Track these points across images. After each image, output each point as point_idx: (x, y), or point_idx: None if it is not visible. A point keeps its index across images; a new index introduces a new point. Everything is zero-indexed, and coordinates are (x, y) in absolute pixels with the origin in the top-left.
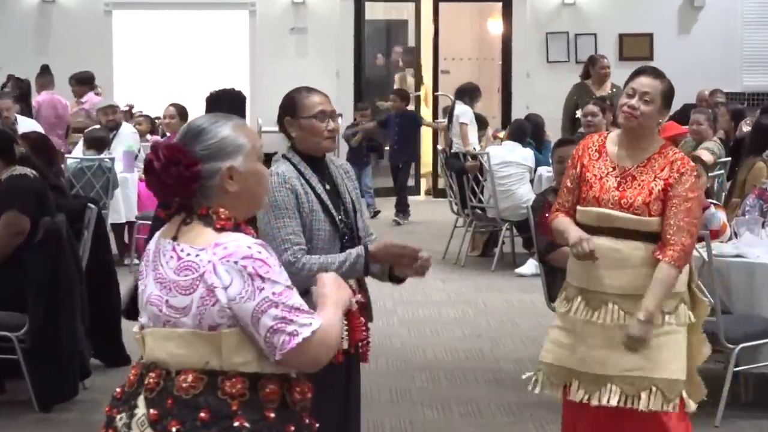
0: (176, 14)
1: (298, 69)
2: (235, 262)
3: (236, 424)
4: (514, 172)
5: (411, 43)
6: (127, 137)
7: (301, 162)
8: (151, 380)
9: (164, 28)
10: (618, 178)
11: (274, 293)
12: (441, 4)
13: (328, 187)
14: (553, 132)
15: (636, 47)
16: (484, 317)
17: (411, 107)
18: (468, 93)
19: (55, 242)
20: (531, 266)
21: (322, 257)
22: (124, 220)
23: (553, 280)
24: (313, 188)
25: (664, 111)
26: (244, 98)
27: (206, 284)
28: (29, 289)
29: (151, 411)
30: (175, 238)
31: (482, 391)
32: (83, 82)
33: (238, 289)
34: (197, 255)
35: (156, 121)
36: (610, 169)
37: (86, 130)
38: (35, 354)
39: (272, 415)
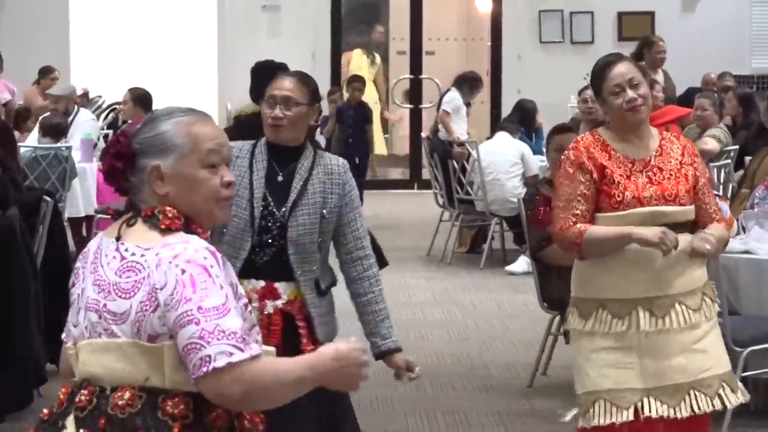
0: None
1: (271, 50)
2: (176, 265)
3: None
4: (502, 159)
5: (392, 22)
6: (85, 124)
7: (264, 144)
8: (83, 398)
9: (126, 4)
10: (645, 173)
11: (200, 308)
12: None
13: (281, 178)
14: (547, 118)
15: (636, 26)
16: (472, 319)
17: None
18: (468, 82)
19: (6, 239)
20: (522, 264)
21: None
22: (82, 214)
23: (547, 278)
24: (252, 172)
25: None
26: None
27: (150, 286)
28: None
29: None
30: (118, 238)
31: (470, 398)
32: None
33: (167, 294)
34: (142, 255)
35: (117, 106)
36: (630, 166)
37: (42, 117)
38: None
39: None
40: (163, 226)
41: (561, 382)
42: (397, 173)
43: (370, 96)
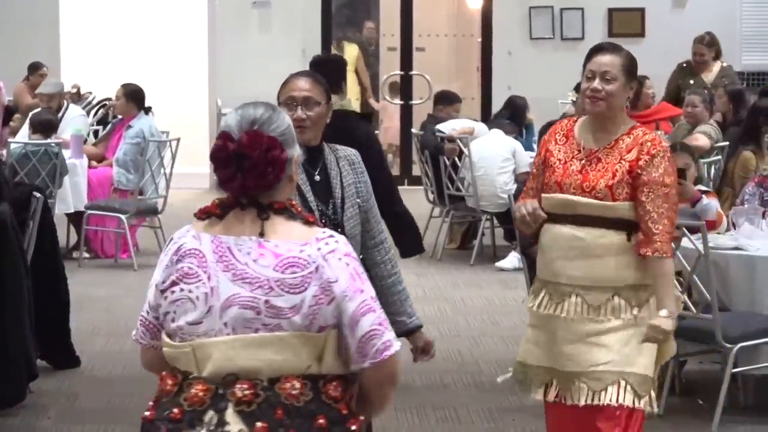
0: None
1: (261, 46)
2: (339, 259)
3: (353, 427)
4: (493, 155)
5: (382, 18)
6: (75, 120)
7: None
8: (245, 393)
9: (115, 1)
10: (582, 161)
11: (372, 297)
12: None
13: (318, 178)
14: (538, 114)
15: (627, 23)
16: (463, 315)
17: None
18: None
19: None
20: (513, 260)
21: None
22: (72, 210)
23: (535, 273)
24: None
25: (630, 86)
26: (345, 63)
27: (321, 280)
28: None
29: (258, 425)
30: (262, 234)
31: (460, 395)
32: None
33: (344, 287)
34: (301, 251)
35: (107, 102)
36: (576, 152)
37: (32, 113)
38: None
39: (361, 417)
40: (311, 219)
41: None
42: None
43: (352, 90)
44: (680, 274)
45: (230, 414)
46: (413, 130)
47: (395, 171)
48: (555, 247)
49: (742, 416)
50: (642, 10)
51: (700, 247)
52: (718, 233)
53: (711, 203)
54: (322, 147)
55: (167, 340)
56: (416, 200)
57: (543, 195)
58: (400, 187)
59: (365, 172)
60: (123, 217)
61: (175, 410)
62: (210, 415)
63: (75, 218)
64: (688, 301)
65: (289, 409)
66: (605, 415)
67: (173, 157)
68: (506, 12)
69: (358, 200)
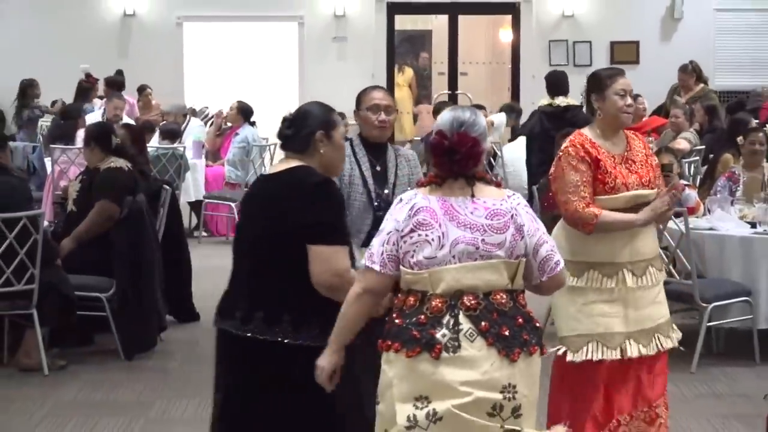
0: (237, 26)
1: (339, 72)
2: (523, 208)
3: (537, 324)
4: (521, 156)
5: (434, 49)
6: (195, 129)
7: (359, 144)
8: (471, 302)
9: (227, 37)
10: (623, 165)
11: (544, 233)
12: (460, 17)
13: (378, 168)
14: None
15: (625, 53)
16: None
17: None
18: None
19: (137, 218)
20: None
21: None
22: (193, 199)
23: None
24: (359, 166)
25: None
26: None
27: (516, 224)
28: (115, 257)
29: (483, 323)
30: (473, 195)
31: None
32: (110, 85)
33: (529, 227)
34: (501, 204)
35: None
36: (613, 159)
37: (161, 124)
38: (120, 311)
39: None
40: (500, 184)
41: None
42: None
43: (404, 103)
44: (667, 248)
45: (462, 317)
46: None
47: None
48: (627, 234)
49: (715, 360)
50: (637, 43)
51: (683, 227)
52: (697, 217)
53: (692, 193)
54: (386, 145)
55: (406, 269)
56: None
57: (605, 196)
58: None
59: (417, 167)
60: (232, 204)
61: (421, 317)
62: (447, 319)
63: (195, 206)
64: (672, 269)
65: (501, 312)
66: (663, 357)
67: (272, 158)
68: (531, 44)
69: (409, 187)
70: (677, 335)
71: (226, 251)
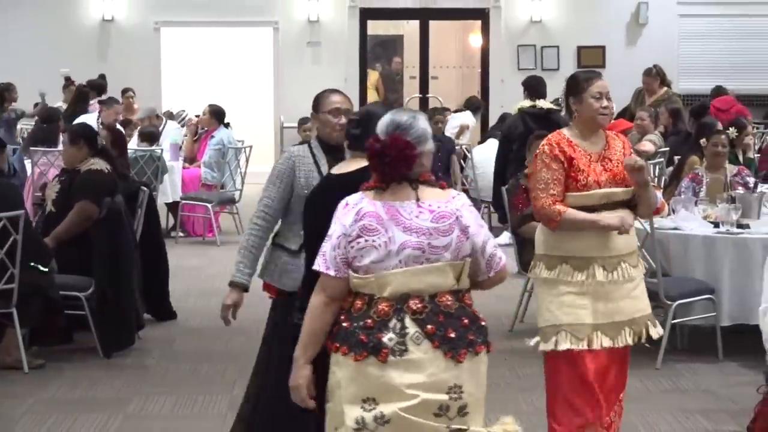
0: (214, 31)
1: (313, 76)
2: (466, 209)
3: (483, 323)
4: (490, 158)
5: (406, 54)
6: (172, 132)
7: (318, 147)
8: (417, 305)
9: (204, 42)
10: (599, 163)
11: (488, 232)
12: (431, 22)
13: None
14: None
15: (591, 57)
16: None
17: None
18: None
19: (115, 219)
20: (505, 237)
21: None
22: (170, 200)
23: (524, 248)
24: (318, 167)
25: None
26: None
27: (461, 225)
28: (94, 257)
29: (429, 327)
30: (418, 199)
31: None
32: (93, 88)
33: (474, 227)
34: (446, 206)
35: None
36: (589, 157)
37: (140, 127)
38: (99, 310)
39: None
40: (443, 186)
41: (535, 327)
42: None
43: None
44: None
45: (408, 321)
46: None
47: None
48: (601, 231)
49: (679, 356)
50: (603, 48)
51: (648, 227)
52: (662, 217)
53: (657, 194)
54: (345, 148)
55: (353, 273)
56: None
57: (577, 193)
58: None
59: None
60: (209, 205)
61: (369, 321)
62: (394, 323)
63: (172, 206)
64: None
65: (446, 314)
66: (625, 353)
67: (247, 160)
68: (500, 49)
69: None
70: (658, 330)
71: (202, 251)
